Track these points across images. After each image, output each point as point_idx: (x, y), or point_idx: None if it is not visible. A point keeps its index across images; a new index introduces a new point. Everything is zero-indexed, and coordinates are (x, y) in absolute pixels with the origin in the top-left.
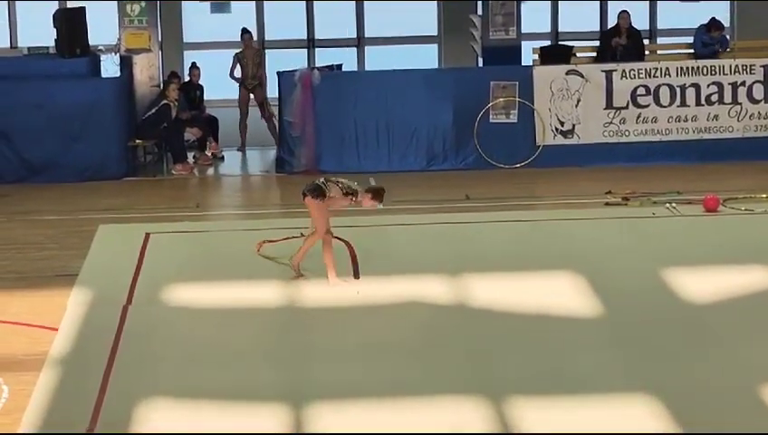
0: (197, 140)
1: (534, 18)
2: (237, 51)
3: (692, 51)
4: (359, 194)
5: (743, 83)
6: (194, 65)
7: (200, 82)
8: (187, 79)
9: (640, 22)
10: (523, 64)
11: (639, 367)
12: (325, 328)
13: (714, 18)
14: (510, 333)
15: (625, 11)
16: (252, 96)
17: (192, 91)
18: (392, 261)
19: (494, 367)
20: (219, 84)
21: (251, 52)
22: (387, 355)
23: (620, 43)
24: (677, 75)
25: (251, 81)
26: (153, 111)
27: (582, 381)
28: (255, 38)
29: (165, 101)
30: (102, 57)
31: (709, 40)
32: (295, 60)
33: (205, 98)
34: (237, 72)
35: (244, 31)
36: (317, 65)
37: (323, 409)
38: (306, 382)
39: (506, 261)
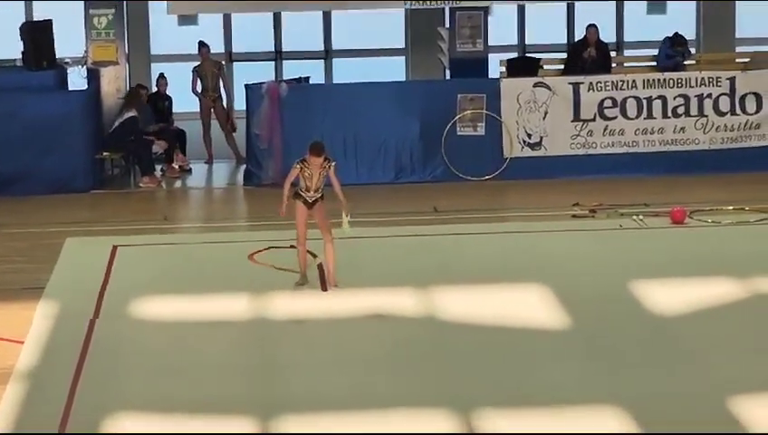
0: (164, 152)
1: (501, 30)
2: (196, 64)
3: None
4: (304, 160)
5: (709, 96)
6: (161, 76)
7: (168, 93)
8: (154, 90)
9: (607, 34)
10: (490, 77)
11: (607, 378)
12: (294, 341)
13: (677, 33)
14: (479, 345)
15: (593, 25)
16: (213, 109)
17: (160, 102)
18: (360, 274)
19: (464, 378)
20: (186, 97)
21: (209, 64)
22: (356, 368)
23: (592, 56)
24: (644, 87)
25: (212, 93)
26: (119, 122)
27: (551, 392)
28: (223, 50)
29: (131, 114)
30: (69, 70)
31: (673, 53)
32: (262, 72)
33: (173, 110)
34: (199, 87)
35: (201, 44)
36: (284, 78)
37: (293, 421)
38: (275, 395)
39: (474, 273)
